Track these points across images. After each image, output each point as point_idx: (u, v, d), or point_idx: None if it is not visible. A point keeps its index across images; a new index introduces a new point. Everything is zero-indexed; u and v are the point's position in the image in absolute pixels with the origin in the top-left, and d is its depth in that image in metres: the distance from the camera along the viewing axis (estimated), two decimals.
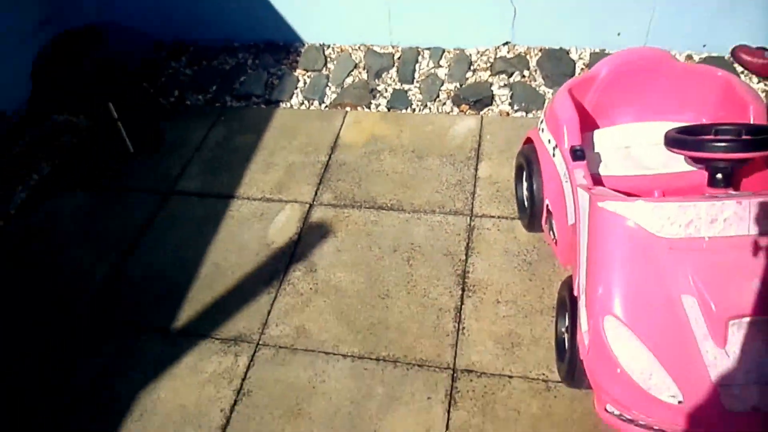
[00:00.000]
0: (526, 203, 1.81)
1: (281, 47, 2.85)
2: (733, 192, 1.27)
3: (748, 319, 1.17)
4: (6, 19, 2.58)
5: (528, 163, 1.75)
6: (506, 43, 2.69)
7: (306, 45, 2.85)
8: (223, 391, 1.62)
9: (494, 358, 1.61)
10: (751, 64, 2.32)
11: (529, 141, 1.80)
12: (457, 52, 2.71)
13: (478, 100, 2.44)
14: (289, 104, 2.57)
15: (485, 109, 2.43)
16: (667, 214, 1.21)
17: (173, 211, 2.15)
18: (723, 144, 1.22)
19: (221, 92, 2.66)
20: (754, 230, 1.19)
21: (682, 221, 1.21)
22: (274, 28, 2.82)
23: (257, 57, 2.83)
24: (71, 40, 2.25)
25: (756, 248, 1.18)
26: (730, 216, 1.19)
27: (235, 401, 1.60)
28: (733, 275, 1.18)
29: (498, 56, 2.66)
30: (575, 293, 1.36)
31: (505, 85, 2.52)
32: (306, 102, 2.58)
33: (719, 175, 1.27)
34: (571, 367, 1.40)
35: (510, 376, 1.56)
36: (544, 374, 1.56)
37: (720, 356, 1.16)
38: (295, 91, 2.62)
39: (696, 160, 1.31)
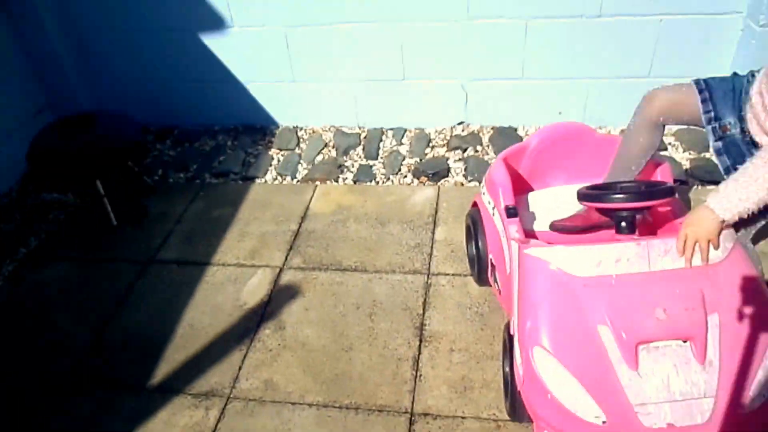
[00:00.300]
0: (474, 259, 2.00)
1: (258, 129, 3.12)
2: (635, 236, 1.48)
3: (653, 343, 1.34)
4: (5, 107, 2.84)
5: (474, 223, 1.97)
6: (461, 123, 3.00)
7: (280, 127, 3.13)
8: None
9: (448, 402, 1.73)
10: None
11: (474, 204, 2.02)
12: (418, 131, 3.01)
13: (436, 172, 2.70)
14: (264, 180, 2.80)
15: (442, 180, 2.68)
16: (581, 257, 1.42)
17: (153, 278, 2.29)
18: (620, 196, 1.45)
19: (201, 170, 2.89)
20: (653, 267, 1.39)
21: (593, 262, 1.40)
22: (251, 113, 3.11)
23: (236, 139, 3.09)
24: (65, 125, 2.48)
25: (655, 281, 1.38)
26: (632, 256, 1.40)
27: None
28: (638, 306, 1.36)
29: (454, 134, 2.96)
30: (511, 332, 1.52)
31: (460, 159, 2.80)
32: (279, 177, 2.81)
33: (623, 224, 1.48)
34: (512, 400, 1.54)
35: (463, 417, 1.69)
36: (494, 414, 1.68)
37: (634, 378, 1.32)
38: (269, 168, 2.86)
39: (603, 212, 1.53)
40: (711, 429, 1.29)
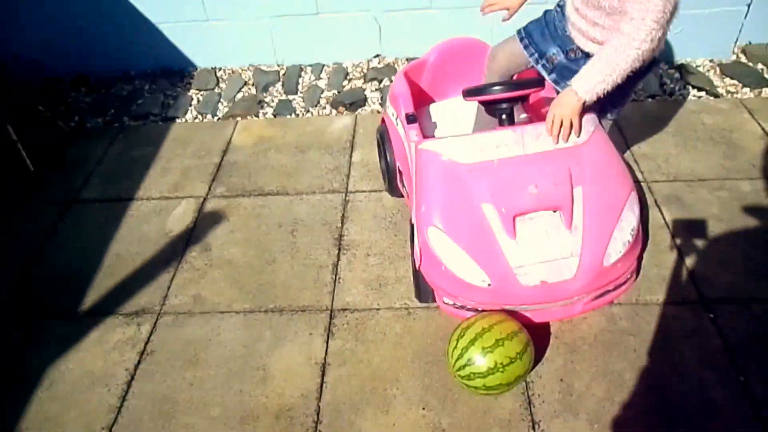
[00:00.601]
0: (385, 171, 2.15)
1: (176, 72, 3.12)
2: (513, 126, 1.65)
3: (528, 215, 1.53)
4: None
5: (382, 137, 2.10)
6: (377, 56, 3.10)
7: (199, 69, 3.13)
8: (127, 354, 1.81)
9: (365, 297, 1.90)
10: None
11: (382, 121, 2.15)
12: (336, 65, 3.09)
13: (353, 102, 2.80)
14: (183, 119, 2.83)
15: (359, 110, 2.79)
16: (466, 145, 1.58)
17: (76, 217, 2.32)
18: (497, 88, 1.61)
19: (119, 114, 2.88)
20: (527, 150, 1.57)
21: (477, 149, 1.57)
22: (167, 56, 3.10)
23: (153, 82, 3.08)
24: None
25: (529, 162, 1.56)
26: (509, 142, 1.57)
27: (139, 361, 1.79)
28: (515, 184, 1.54)
29: (371, 67, 3.06)
30: (412, 221, 1.69)
31: (376, 89, 2.91)
32: (200, 116, 2.85)
33: (503, 116, 1.65)
34: (416, 281, 1.71)
35: (378, 309, 1.86)
36: (405, 303, 1.86)
37: (512, 245, 1.52)
38: (189, 108, 2.89)
39: (486, 108, 1.70)
40: (576, 283, 1.51)
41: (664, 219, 2.06)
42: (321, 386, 1.67)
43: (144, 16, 2.97)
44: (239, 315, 1.89)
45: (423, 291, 1.75)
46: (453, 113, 2.07)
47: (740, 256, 1.91)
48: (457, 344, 1.48)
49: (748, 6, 2.75)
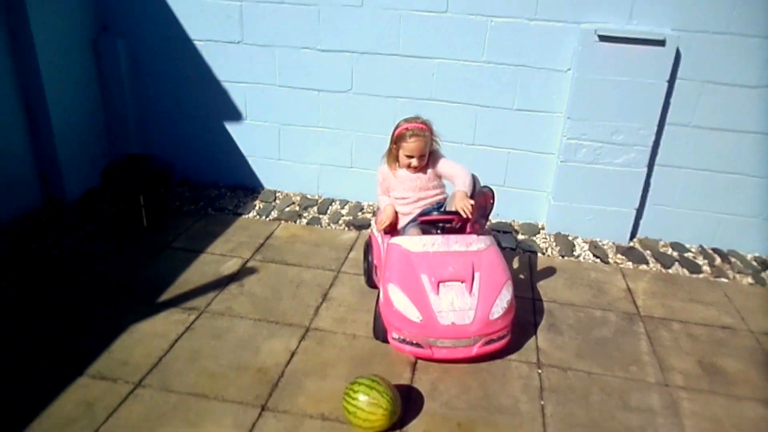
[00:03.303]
0: (366, 268, 3.34)
1: (249, 188, 4.60)
2: (443, 234, 2.89)
3: (447, 282, 2.68)
4: (85, 151, 4.31)
5: (367, 245, 3.35)
6: None
7: (265, 189, 4.60)
8: (179, 327, 2.92)
9: (331, 325, 2.99)
10: None
11: (369, 236, 3.42)
12: (356, 203, 4.48)
13: (360, 225, 4.12)
14: (247, 216, 4.21)
15: (363, 230, 4.09)
16: (415, 242, 2.81)
17: (167, 257, 3.60)
18: (427, 216, 2.88)
19: (206, 206, 4.30)
20: (450, 248, 2.78)
21: (421, 244, 2.80)
22: (247, 177, 4.60)
23: (233, 192, 4.55)
24: (127, 159, 3.93)
25: (450, 255, 2.76)
26: (439, 242, 2.80)
27: (184, 331, 2.90)
28: (441, 264, 2.72)
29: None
30: (378, 286, 2.86)
31: None
32: (258, 216, 4.22)
33: (439, 230, 2.90)
34: (375, 324, 2.84)
35: (335, 333, 2.93)
36: (354, 334, 2.93)
37: (436, 299, 2.64)
38: (252, 210, 4.28)
39: (428, 223, 2.96)
40: (473, 327, 2.61)
41: (535, 320, 3.12)
42: (288, 362, 2.72)
43: (239, 149, 4.54)
44: (251, 321, 3.01)
45: (378, 330, 2.84)
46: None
47: (574, 345, 2.92)
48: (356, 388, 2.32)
49: (636, 210, 4.02)
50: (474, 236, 2.89)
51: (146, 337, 2.85)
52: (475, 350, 2.66)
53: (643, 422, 2.47)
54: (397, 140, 3.02)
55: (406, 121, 3.02)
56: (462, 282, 2.70)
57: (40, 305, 3.07)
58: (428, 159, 3.05)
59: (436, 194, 3.09)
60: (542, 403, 2.55)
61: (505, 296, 2.71)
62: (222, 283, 3.34)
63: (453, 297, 2.67)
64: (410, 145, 2.95)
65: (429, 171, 3.06)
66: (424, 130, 2.96)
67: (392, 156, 3.08)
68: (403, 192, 3.08)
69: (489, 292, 2.70)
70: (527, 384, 2.66)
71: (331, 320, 3.05)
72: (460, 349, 2.66)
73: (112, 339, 2.82)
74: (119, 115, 4.50)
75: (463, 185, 2.96)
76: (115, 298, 3.16)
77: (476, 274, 2.73)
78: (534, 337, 2.99)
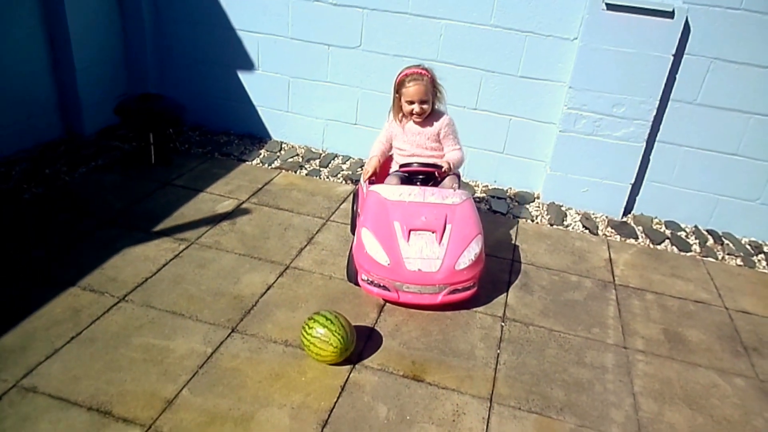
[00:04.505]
0: (352, 216, 3.46)
1: (256, 137, 4.74)
2: (420, 186, 2.98)
3: (418, 231, 2.79)
4: (105, 88, 4.51)
5: (354, 195, 3.46)
6: None
7: (272, 139, 4.74)
8: (169, 254, 3.11)
9: (310, 266, 3.13)
10: None
11: (357, 187, 3.53)
12: (358, 159, 4.58)
13: (357, 180, 4.23)
14: (250, 163, 4.36)
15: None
16: (392, 191, 2.91)
17: (167, 192, 3.78)
18: (412, 166, 2.97)
19: (213, 151, 4.46)
20: (426, 199, 2.88)
21: (397, 194, 2.90)
22: (256, 126, 4.74)
23: (241, 140, 4.70)
24: (140, 98, 4.10)
25: (424, 205, 2.86)
26: (416, 192, 2.90)
27: (173, 257, 3.08)
28: (415, 214, 2.82)
29: None
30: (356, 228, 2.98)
31: None
32: (261, 164, 4.36)
33: (419, 181, 2.99)
34: (348, 266, 2.96)
35: (313, 272, 3.07)
36: (330, 275, 3.07)
37: (405, 245, 2.75)
38: (256, 158, 4.43)
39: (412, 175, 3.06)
40: (439, 275, 2.72)
41: (510, 279, 3.20)
42: (264, 293, 2.87)
43: (250, 98, 4.67)
44: (236, 255, 3.17)
45: (350, 272, 2.97)
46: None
47: (542, 304, 3.00)
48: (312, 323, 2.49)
49: (633, 185, 4.01)
50: (451, 190, 2.97)
51: (137, 259, 3.05)
52: (440, 298, 2.77)
53: (593, 377, 2.55)
54: (398, 88, 3.09)
55: (407, 68, 3.08)
56: (433, 232, 2.80)
57: (45, 222, 3.29)
58: (437, 119, 3.11)
59: (432, 156, 3.16)
60: (498, 351, 2.65)
61: (474, 249, 2.79)
62: (215, 220, 3.51)
63: (422, 245, 2.76)
64: (409, 90, 3.01)
65: (433, 131, 3.12)
66: (423, 75, 3.01)
67: (397, 107, 3.16)
68: (402, 143, 3.17)
69: (458, 243, 2.79)
70: (488, 334, 2.76)
71: (312, 261, 3.19)
72: (426, 296, 2.77)
73: (106, 258, 3.03)
74: (139, 56, 4.67)
75: (449, 157, 3.06)
76: (114, 224, 3.36)
77: (448, 226, 2.82)
78: (505, 294, 3.07)
